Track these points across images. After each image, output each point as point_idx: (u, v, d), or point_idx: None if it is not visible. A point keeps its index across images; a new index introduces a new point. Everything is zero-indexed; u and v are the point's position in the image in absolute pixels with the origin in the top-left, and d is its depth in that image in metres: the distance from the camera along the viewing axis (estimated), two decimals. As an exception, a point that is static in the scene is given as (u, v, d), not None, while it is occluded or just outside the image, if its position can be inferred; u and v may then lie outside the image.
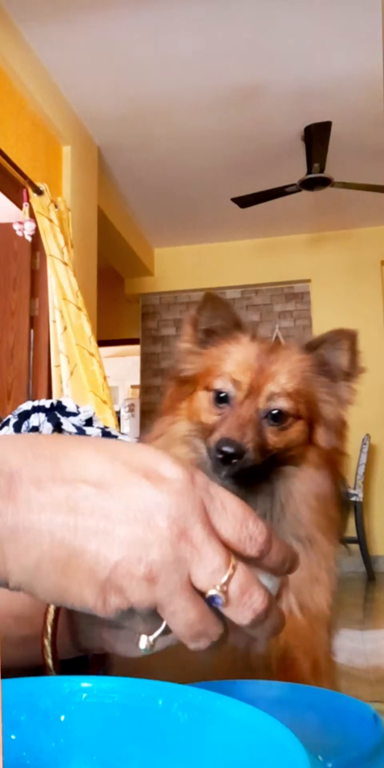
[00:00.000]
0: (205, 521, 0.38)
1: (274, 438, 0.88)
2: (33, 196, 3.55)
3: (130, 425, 7.67)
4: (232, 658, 0.94)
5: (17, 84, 3.53)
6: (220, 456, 0.83)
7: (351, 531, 5.02)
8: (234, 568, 0.38)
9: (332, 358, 0.93)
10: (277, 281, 6.30)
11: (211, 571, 0.37)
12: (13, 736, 0.36)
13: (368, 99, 4.09)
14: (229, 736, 0.35)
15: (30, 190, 3.53)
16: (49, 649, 0.53)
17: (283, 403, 0.89)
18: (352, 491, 5.09)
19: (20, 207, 3.49)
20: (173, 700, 0.37)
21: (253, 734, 0.34)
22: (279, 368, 0.90)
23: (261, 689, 0.57)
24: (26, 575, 0.37)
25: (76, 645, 0.58)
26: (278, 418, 0.89)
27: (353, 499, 5.09)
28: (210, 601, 0.38)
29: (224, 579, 0.37)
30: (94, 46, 3.62)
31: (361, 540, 5.07)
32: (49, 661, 0.53)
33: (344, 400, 0.94)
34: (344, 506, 0.98)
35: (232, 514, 0.39)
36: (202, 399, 0.94)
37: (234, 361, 0.92)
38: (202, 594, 0.38)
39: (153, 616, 0.38)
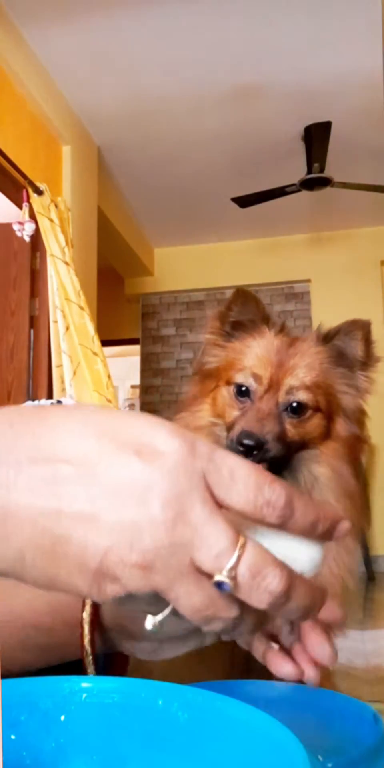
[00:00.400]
0: (207, 498, 0.34)
1: (292, 430, 0.90)
2: (33, 196, 3.55)
3: (130, 425, 7.68)
4: (230, 661, 0.94)
5: (17, 84, 3.53)
6: (241, 449, 0.85)
7: (351, 531, 5.02)
8: (242, 548, 0.34)
9: (348, 349, 0.95)
10: (277, 281, 6.30)
11: (215, 554, 0.33)
12: (13, 736, 0.36)
13: (368, 99, 4.09)
14: (229, 736, 0.35)
15: (30, 190, 3.53)
16: (88, 648, 0.52)
17: (302, 396, 0.91)
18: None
19: (20, 207, 3.49)
20: (173, 700, 0.37)
21: (253, 734, 0.34)
22: (298, 362, 0.92)
23: (261, 689, 0.57)
24: (10, 563, 0.34)
25: (105, 642, 0.56)
26: (297, 410, 0.91)
27: (353, 499, 5.09)
28: (217, 587, 0.34)
29: (231, 562, 0.33)
30: (94, 46, 3.62)
31: (361, 540, 5.06)
32: (89, 657, 0.53)
33: (362, 389, 0.96)
34: (365, 495, 0.98)
35: (244, 482, 0.35)
36: (224, 393, 0.96)
37: (255, 355, 0.94)
38: (209, 577, 0.34)
39: (158, 597, 0.35)
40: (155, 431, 0.35)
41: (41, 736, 0.37)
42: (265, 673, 0.93)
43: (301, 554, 0.38)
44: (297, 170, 4.62)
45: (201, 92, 4.03)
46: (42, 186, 3.62)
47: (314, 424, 0.92)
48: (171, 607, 0.36)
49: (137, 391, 7.07)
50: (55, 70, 3.79)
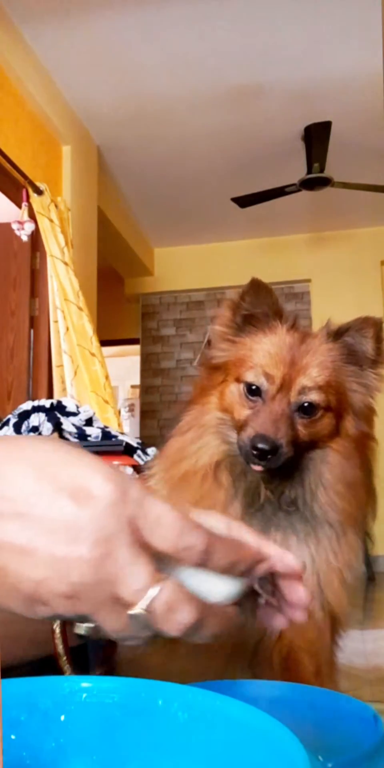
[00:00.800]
0: (132, 541, 0.38)
1: (303, 430, 0.89)
2: (33, 196, 3.55)
3: (130, 425, 7.67)
4: (231, 657, 0.94)
5: (17, 84, 3.53)
6: (255, 453, 0.84)
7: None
8: (160, 586, 0.38)
9: (358, 346, 0.93)
10: (277, 281, 6.29)
11: (134, 591, 0.37)
12: (13, 736, 0.36)
13: (368, 99, 4.08)
14: (229, 736, 0.35)
15: (30, 190, 3.53)
16: (59, 638, 0.54)
17: (314, 396, 0.89)
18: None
19: (20, 207, 3.49)
20: (173, 700, 0.37)
21: (253, 734, 0.34)
22: (310, 360, 0.90)
23: (261, 689, 0.57)
24: None
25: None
26: (309, 411, 0.89)
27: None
28: (133, 619, 0.38)
29: (148, 598, 0.37)
30: (94, 46, 3.62)
31: (361, 540, 5.06)
32: (63, 658, 0.54)
33: (372, 387, 0.94)
34: (373, 492, 0.97)
35: (169, 527, 0.39)
36: (234, 391, 0.94)
37: (266, 353, 0.92)
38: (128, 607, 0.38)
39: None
40: (92, 475, 0.39)
41: (41, 736, 0.37)
42: (267, 672, 0.93)
43: (217, 588, 0.42)
44: (297, 170, 4.62)
45: (201, 92, 4.03)
46: (42, 186, 3.62)
47: (325, 423, 0.91)
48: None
49: (137, 391, 7.06)
50: (55, 70, 3.79)
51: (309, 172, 4.53)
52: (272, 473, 0.88)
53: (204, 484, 0.91)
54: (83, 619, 0.40)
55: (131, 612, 0.37)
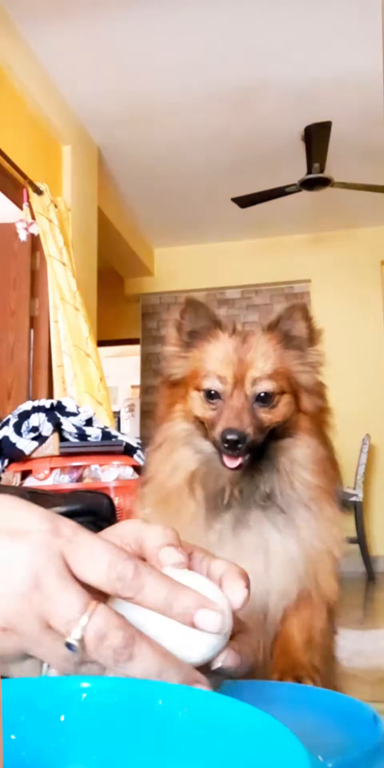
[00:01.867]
0: (62, 573, 0.39)
1: (267, 416, 0.99)
2: (33, 196, 3.55)
3: (130, 425, 7.67)
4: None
5: (17, 84, 3.53)
6: (226, 445, 0.93)
7: (351, 531, 5.02)
8: (90, 616, 0.38)
9: (293, 331, 1.03)
10: (277, 281, 6.30)
11: (65, 621, 0.38)
12: (13, 736, 0.36)
13: (368, 99, 4.09)
14: (229, 736, 0.35)
15: (30, 190, 3.53)
16: None
17: (267, 385, 0.99)
18: (352, 491, 5.09)
19: (20, 207, 3.49)
20: (173, 700, 0.37)
21: (253, 734, 0.34)
22: (254, 355, 1.00)
23: (261, 689, 0.57)
24: None
25: None
26: (266, 399, 0.99)
27: (353, 499, 5.09)
28: (68, 647, 0.38)
29: (79, 628, 0.38)
30: (94, 46, 3.62)
31: (361, 540, 5.06)
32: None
33: (315, 363, 1.04)
34: (336, 465, 1.06)
35: (99, 559, 0.40)
36: (195, 399, 1.02)
37: (215, 359, 1.01)
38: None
39: (30, 660, 0.40)
40: (30, 517, 0.42)
41: (41, 736, 0.37)
42: (265, 673, 0.94)
43: (169, 635, 0.40)
44: (297, 170, 4.62)
45: (201, 92, 4.03)
46: (42, 186, 3.62)
47: (285, 405, 1.00)
48: (44, 670, 0.41)
49: (137, 391, 7.07)
50: (55, 70, 3.79)
51: (309, 172, 4.53)
52: (247, 467, 0.96)
53: (181, 496, 0.99)
54: (25, 655, 0.40)
55: (65, 641, 0.38)
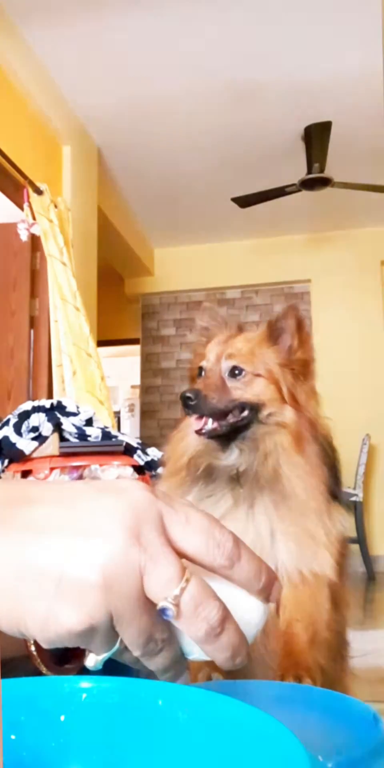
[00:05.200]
0: (161, 532, 0.38)
1: (238, 391, 1.10)
2: (33, 196, 3.55)
3: (130, 425, 7.67)
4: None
5: (17, 84, 3.53)
6: (182, 403, 1.07)
7: (351, 531, 5.02)
8: (187, 580, 0.37)
9: (284, 328, 1.14)
10: (277, 281, 6.30)
11: (164, 580, 0.37)
12: (13, 736, 0.36)
13: (368, 99, 4.09)
14: (229, 736, 0.35)
15: (30, 190, 3.53)
16: (33, 646, 0.53)
17: (236, 361, 1.11)
18: (352, 491, 5.09)
19: (20, 207, 3.49)
20: (173, 700, 0.37)
21: (253, 734, 0.34)
22: (235, 340, 1.15)
23: (261, 689, 0.57)
24: None
25: None
26: (235, 373, 1.10)
27: (353, 499, 5.09)
28: (161, 612, 0.37)
29: (177, 590, 0.37)
30: (94, 46, 3.62)
31: (361, 540, 5.06)
32: (36, 657, 0.53)
33: (297, 361, 1.13)
34: (333, 460, 1.12)
35: (198, 525, 0.39)
36: (197, 379, 1.16)
37: (212, 345, 1.17)
38: (154, 603, 0.37)
39: (108, 634, 0.38)
40: (123, 481, 0.40)
41: (41, 736, 0.37)
42: (264, 674, 0.94)
43: (243, 604, 0.40)
44: (297, 170, 4.63)
45: (201, 92, 4.03)
46: (42, 186, 3.62)
47: (261, 386, 1.10)
48: (114, 649, 0.38)
49: (137, 391, 7.07)
50: (55, 70, 3.79)
51: (309, 172, 4.53)
52: (223, 439, 1.08)
53: (181, 473, 1.12)
54: (106, 641, 0.38)
55: (160, 605, 0.37)
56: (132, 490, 0.39)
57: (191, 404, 1.06)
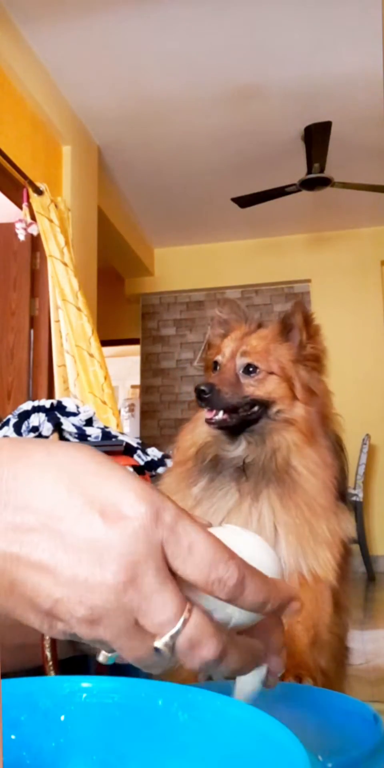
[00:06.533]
0: (160, 567, 0.36)
1: (250, 387, 1.11)
2: (33, 196, 3.55)
3: (130, 425, 7.67)
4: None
5: (17, 84, 3.53)
6: (196, 395, 1.09)
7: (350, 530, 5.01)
8: (185, 621, 0.35)
9: (294, 324, 1.16)
10: (277, 281, 6.30)
11: (158, 623, 0.35)
12: (13, 736, 0.36)
13: (368, 99, 4.09)
14: (229, 736, 0.35)
15: (30, 190, 3.53)
16: (48, 653, 0.53)
17: (251, 359, 1.12)
18: (352, 491, 5.09)
19: (20, 207, 3.49)
20: (173, 700, 0.37)
21: (253, 734, 0.34)
22: (251, 337, 1.16)
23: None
24: None
25: (74, 645, 0.57)
26: (250, 370, 1.12)
27: (353, 499, 5.09)
28: (155, 651, 0.36)
29: (172, 632, 0.35)
30: (94, 46, 3.62)
31: (361, 540, 5.06)
32: (50, 663, 0.53)
33: (310, 356, 1.15)
34: (341, 458, 1.14)
35: (201, 556, 0.36)
36: (210, 373, 1.18)
37: (228, 340, 1.18)
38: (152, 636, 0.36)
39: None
40: (124, 493, 0.36)
41: (41, 736, 0.37)
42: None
43: (242, 616, 0.39)
44: (297, 170, 4.62)
45: (201, 92, 4.03)
46: (42, 186, 3.61)
47: (273, 384, 1.12)
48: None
49: (137, 391, 7.07)
50: (55, 70, 3.79)
51: (309, 172, 4.53)
52: (236, 430, 1.10)
53: (188, 464, 1.14)
54: (101, 645, 0.37)
55: (154, 644, 0.35)
56: (134, 518, 0.35)
57: (205, 397, 1.08)
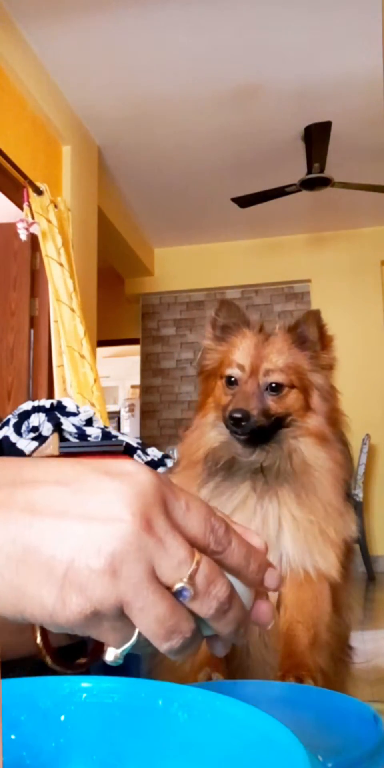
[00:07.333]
0: (168, 514, 0.38)
1: (274, 405, 1.10)
2: (33, 196, 3.55)
3: (130, 425, 7.67)
4: (228, 660, 0.95)
5: (17, 84, 3.53)
6: (232, 422, 1.06)
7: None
8: (198, 562, 0.37)
9: (307, 334, 1.15)
10: (277, 281, 6.30)
11: (177, 563, 0.37)
12: (13, 736, 0.36)
13: (368, 99, 4.09)
14: (229, 736, 0.35)
15: (30, 190, 3.53)
16: (39, 638, 0.52)
17: (277, 377, 1.11)
18: (352, 491, 5.09)
19: (20, 207, 3.49)
20: (173, 700, 0.37)
21: (253, 734, 0.34)
22: (270, 350, 1.13)
23: (261, 689, 0.58)
24: None
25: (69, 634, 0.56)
26: (276, 389, 1.11)
27: (354, 499, 5.09)
28: (177, 595, 0.37)
29: (190, 571, 0.37)
30: (94, 46, 3.63)
31: (361, 540, 5.06)
32: (43, 651, 0.52)
33: (326, 366, 1.15)
34: (348, 462, 1.14)
35: (197, 510, 0.39)
36: (219, 386, 1.15)
37: (238, 350, 1.15)
38: (168, 588, 0.37)
39: (121, 622, 0.37)
40: (123, 463, 0.39)
41: (41, 736, 0.37)
42: (264, 673, 0.94)
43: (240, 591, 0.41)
44: (297, 170, 4.63)
45: (201, 92, 4.03)
46: (42, 186, 3.62)
47: (292, 398, 1.11)
48: (133, 641, 0.37)
49: (137, 391, 7.07)
50: (55, 70, 3.79)
51: (309, 172, 4.53)
52: (255, 442, 1.09)
53: (196, 467, 1.13)
54: (120, 630, 0.37)
55: (176, 587, 0.36)
56: (137, 473, 0.38)
57: (243, 425, 1.05)
